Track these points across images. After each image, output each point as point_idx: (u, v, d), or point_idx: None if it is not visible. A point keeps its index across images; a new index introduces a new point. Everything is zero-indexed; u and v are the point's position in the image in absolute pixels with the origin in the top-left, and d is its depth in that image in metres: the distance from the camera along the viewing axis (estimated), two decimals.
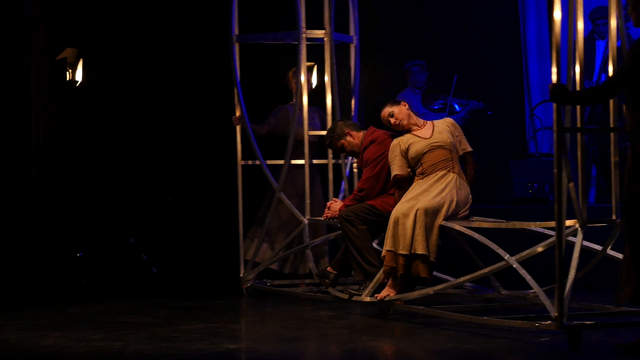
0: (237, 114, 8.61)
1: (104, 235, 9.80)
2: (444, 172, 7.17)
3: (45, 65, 9.30)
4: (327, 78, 8.35)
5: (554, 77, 5.69)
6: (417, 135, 7.32)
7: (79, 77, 9.68)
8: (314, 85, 9.76)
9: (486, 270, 6.66)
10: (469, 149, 7.34)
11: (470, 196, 7.23)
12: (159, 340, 6.11)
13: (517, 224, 6.95)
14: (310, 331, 6.54)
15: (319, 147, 8.67)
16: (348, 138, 7.68)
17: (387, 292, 7.04)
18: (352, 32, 8.62)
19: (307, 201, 8.34)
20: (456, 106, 10.31)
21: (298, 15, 8.30)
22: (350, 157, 8.49)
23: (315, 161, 8.59)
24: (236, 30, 8.59)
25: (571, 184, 5.98)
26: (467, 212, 7.21)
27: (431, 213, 6.96)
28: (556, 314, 5.67)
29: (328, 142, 7.82)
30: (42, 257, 9.07)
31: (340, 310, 7.38)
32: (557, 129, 5.71)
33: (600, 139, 9.93)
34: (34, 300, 8.20)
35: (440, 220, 6.96)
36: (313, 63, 9.75)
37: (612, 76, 5.91)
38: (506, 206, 9.71)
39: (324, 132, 8.18)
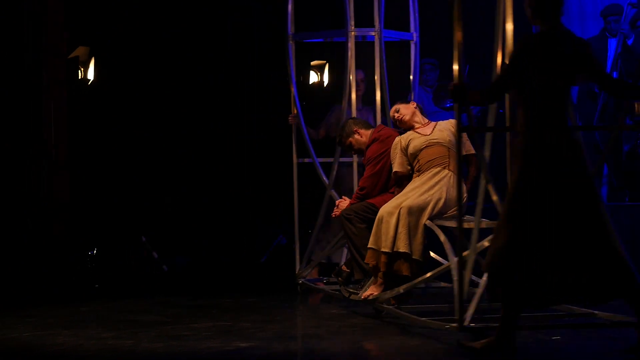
0: (294, 112, 8.59)
1: (115, 234, 9.83)
2: (439, 169, 7.14)
3: (57, 63, 9.31)
4: (376, 76, 8.29)
5: (455, 76, 5.63)
6: (418, 132, 7.33)
7: (90, 75, 9.70)
8: (325, 84, 9.77)
9: (445, 266, 6.67)
10: (472, 151, 7.26)
11: (466, 195, 7.16)
12: (170, 338, 6.12)
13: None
14: (317, 330, 6.53)
15: None
16: (356, 136, 7.68)
17: (371, 291, 7.02)
18: (412, 29, 8.57)
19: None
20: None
21: (346, 13, 8.26)
22: None
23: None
24: (292, 29, 8.57)
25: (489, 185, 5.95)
26: None
27: (415, 211, 6.92)
28: (456, 317, 5.65)
29: (338, 139, 7.83)
30: (43, 256, 9.04)
31: (348, 309, 7.38)
32: (457, 129, 5.70)
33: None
34: (45, 299, 8.21)
35: (424, 219, 6.91)
36: (324, 61, 9.76)
37: (497, 75, 5.82)
38: None
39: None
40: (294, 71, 8.59)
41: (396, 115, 7.45)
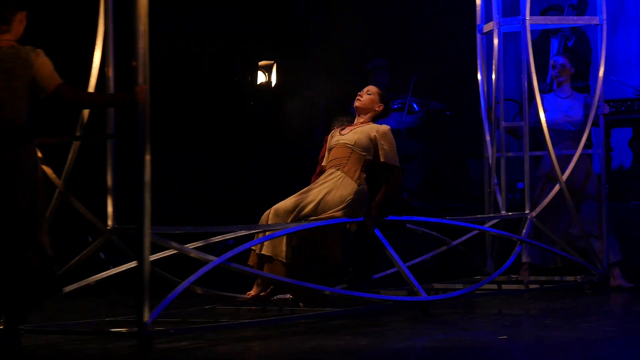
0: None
1: (61, 234, 9.69)
2: (333, 170, 7.03)
3: None
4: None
5: None
6: (342, 131, 7.22)
7: None
8: (272, 84, 9.77)
9: None
10: (392, 163, 6.99)
11: (351, 197, 6.91)
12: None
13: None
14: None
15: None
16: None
17: (253, 292, 6.92)
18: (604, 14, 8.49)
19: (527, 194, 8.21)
20: (415, 106, 10.34)
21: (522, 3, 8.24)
22: None
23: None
24: (478, 21, 8.57)
25: None
26: (340, 212, 6.89)
27: (282, 214, 6.82)
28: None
29: None
30: None
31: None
32: None
33: None
34: None
35: (288, 220, 6.77)
36: (272, 62, 9.76)
37: None
38: (464, 204, 9.74)
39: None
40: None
41: (361, 94, 7.27)
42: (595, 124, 8.45)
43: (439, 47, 11.01)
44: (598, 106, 8.33)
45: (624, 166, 10.18)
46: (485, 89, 8.60)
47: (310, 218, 6.83)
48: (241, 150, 9.90)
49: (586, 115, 8.45)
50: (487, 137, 8.49)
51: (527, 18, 8.20)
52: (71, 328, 6.15)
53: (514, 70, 10.26)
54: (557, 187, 8.12)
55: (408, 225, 7.43)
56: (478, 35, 8.63)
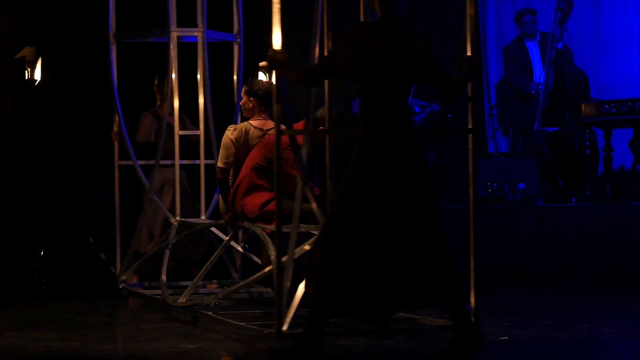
0: (115, 128, 8.43)
1: (62, 236, 9.73)
2: None
3: (4, 64, 9.22)
4: (199, 77, 8.14)
5: (275, 42, 5.40)
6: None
7: (37, 76, 9.60)
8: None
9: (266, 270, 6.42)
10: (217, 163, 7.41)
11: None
12: (119, 340, 6.08)
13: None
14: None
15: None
16: None
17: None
18: (236, 30, 8.44)
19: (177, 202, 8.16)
20: (416, 108, 10.34)
21: (169, 13, 8.07)
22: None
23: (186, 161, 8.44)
24: (113, 28, 8.33)
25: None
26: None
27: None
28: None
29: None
30: None
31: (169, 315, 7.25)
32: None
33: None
34: None
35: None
36: None
37: (317, 63, 5.60)
38: (465, 205, 9.75)
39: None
40: (115, 72, 8.37)
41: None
42: None
43: (440, 46, 11.01)
44: None
45: (625, 167, 10.19)
46: None
47: None
48: None
49: None
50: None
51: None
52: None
53: None
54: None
55: None
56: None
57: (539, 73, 10.20)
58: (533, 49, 10.33)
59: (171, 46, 8.08)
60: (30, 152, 9.76)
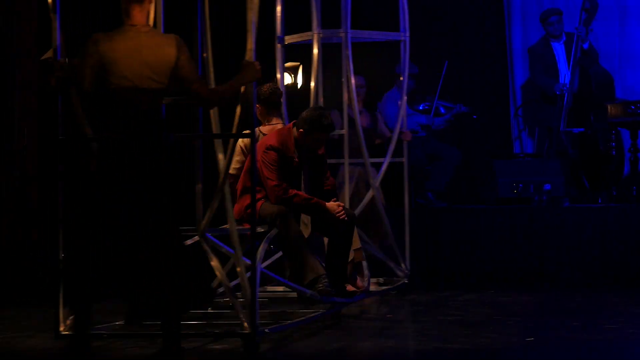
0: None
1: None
2: None
3: (30, 65, 9.26)
4: (344, 77, 8.09)
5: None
6: None
7: None
8: (298, 86, 9.79)
9: None
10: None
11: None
12: None
13: None
14: None
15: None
16: None
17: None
18: (402, 29, 8.50)
19: None
20: (442, 109, 10.34)
21: (315, 15, 8.02)
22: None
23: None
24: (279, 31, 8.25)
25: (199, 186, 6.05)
26: None
27: None
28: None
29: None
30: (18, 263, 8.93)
31: None
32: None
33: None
34: (21, 301, 8.12)
35: None
36: (298, 63, 9.76)
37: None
38: (491, 206, 9.74)
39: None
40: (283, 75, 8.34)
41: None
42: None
43: (467, 49, 11.02)
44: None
45: None
46: None
47: None
48: None
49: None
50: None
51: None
52: None
53: None
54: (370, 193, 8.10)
55: None
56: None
57: (564, 74, 10.18)
58: (559, 49, 10.31)
59: (316, 47, 7.97)
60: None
